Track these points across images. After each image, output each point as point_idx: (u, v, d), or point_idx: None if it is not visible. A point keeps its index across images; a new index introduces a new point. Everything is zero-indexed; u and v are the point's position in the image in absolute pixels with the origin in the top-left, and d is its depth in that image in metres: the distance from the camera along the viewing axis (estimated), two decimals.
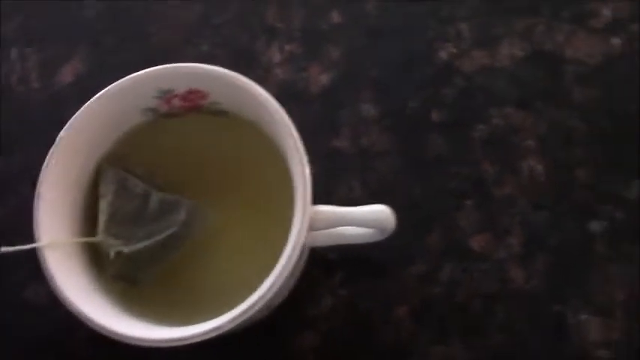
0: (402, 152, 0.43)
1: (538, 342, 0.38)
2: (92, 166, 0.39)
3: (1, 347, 0.42)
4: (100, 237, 0.36)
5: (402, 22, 0.45)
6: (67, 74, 0.47)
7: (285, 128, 0.35)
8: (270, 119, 0.35)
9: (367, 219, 0.36)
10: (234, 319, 0.33)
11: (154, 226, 0.37)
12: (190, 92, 0.38)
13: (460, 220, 0.41)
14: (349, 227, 0.37)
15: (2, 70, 0.48)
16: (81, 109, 0.37)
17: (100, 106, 0.37)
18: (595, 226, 0.40)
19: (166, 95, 0.38)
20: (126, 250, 0.36)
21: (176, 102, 0.38)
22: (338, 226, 0.36)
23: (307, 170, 0.34)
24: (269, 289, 0.33)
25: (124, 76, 0.46)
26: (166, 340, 0.33)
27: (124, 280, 0.37)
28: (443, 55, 0.44)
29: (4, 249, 0.35)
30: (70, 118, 0.45)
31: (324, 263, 0.41)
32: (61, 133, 0.37)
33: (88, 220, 0.38)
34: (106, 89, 0.37)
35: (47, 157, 0.37)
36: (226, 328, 0.33)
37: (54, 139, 0.44)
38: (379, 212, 0.36)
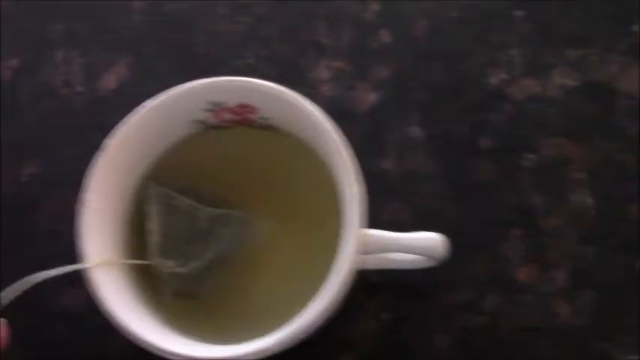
0: (448, 177, 0.42)
1: None
2: (137, 177, 0.38)
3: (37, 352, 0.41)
4: (153, 260, 0.36)
5: (452, 45, 0.44)
6: (110, 80, 0.47)
7: (337, 149, 0.34)
8: (320, 138, 0.35)
9: (418, 246, 0.35)
10: (281, 342, 0.32)
11: (206, 242, 0.36)
12: (241, 106, 0.37)
13: (506, 250, 0.41)
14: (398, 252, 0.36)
15: (47, 72, 0.47)
16: (130, 116, 0.36)
17: (149, 115, 0.36)
18: None
19: (217, 108, 0.37)
20: (182, 270, 0.35)
21: (226, 115, 0.38)
22: (388, 251, 0.35)
23: (358, 195, 0.33)
24: (319, 315, 0.32)
25: (168, 85, 0.45)
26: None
27: (181, 297, 0.36)
28: (493, 81, 0.43)
29: (54, 271, 0.34)
30: (112, 124, 0.45)
31: (367, 285, 0.40)
32: (108, 141, 0.36)
33: (132, 235, 0.38)
34: (156, 98, 0.36)
35: (93, 164, 0.36)
36: (273, 351, 0.32)
37: (94, 145, 0.44)
38: (431, 240, 0.35)
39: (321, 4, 0.46)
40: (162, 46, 0.47)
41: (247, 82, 0.35)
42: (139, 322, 0.33)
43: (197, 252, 0.36)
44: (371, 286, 0.41)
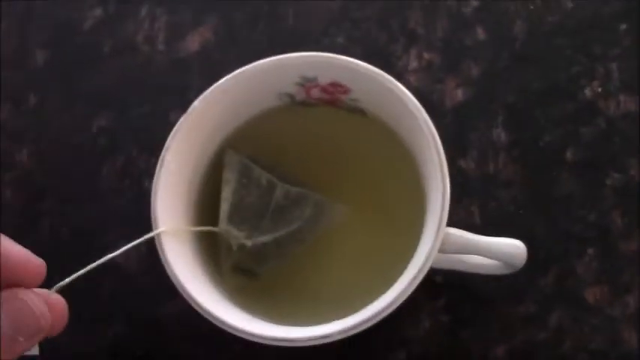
0: (529, 186, 0.41)
1: None
2: (216, 144, 0.38)
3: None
4: (222, 227, 0.35)
5: (549, 51, 0.43)
6: (194, 42, 0.46)
7: (431, 143, 0.33)
8: (414, 129, 0.34)
9: (499, 251, 0.34)
10: (344, 330, 0.31)
11: (278, 220, 0.35)
12: (333, 84, 0.36)
13: (578, 267, 0.40)
14: (475, 255, 0.35)
15: (130, 26, 0.46)
16: (219, 81, 0.36)
17: (240, 81, 0.36)
18: None
19: (308, 83, 0.36)
20: (249, 243, 0.34)
21: (315, 92, 0.37)
22: (467, 253, 0.34)
23: (448, 191, 0.32)
24: (386, 308, 0.31)
25: (250, 54, 0.45)
26: (271, 338, 0.32)
27: (242, 273, 0.35)
28: (587, 92, 0.42)
29: (117, 252, 0.33)
30: (189, 86, 0.44)
31: (430, 284, 0.39)
32: (195, 103, 0.35)
33: (202, 204, 0.37)
34: (250, 65, 0.35)
35: (177, 125, 0.35)
36: (334, 339, 0.32)
37: (168, 105, 0.44)
38: (513, 247, 0.34)
39: None
40: (250, 14, 0.46)
41: (345, 60, 0.34)
42: (197, 286, 0.32)
43: (267, 227, 0.35)
44: (434, 285, 0.40)
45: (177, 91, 0.45)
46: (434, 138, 0.33)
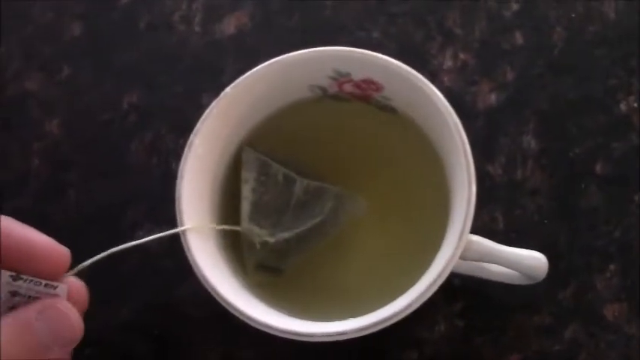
0: (555, 196, 0.40)
1: None
2: (244, 131, 0.38)
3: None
4: (244, 225, 0.35)
5: (586, 61, 0.42)
6: (230, 25, 0.46)
7: (459, 147, 0.33)
8: (444, 132, 0.34)
9: (520, 263, 0.34)
10: (360, 329, 0.31)
11: (299, 215, 0.35)
12: (366, 81, 0.36)
13: (598, 283, 0.39)
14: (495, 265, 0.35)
15: (167, 5, 0.46)
16: (253, 69, 0.35)
17: (272, 71, 0.35)
18: None
19: (341, 78, 0.36)
20: (272, 240, 0.34)
21: (348, 87, 0.37)
22: (488, 262, 0.34)
23: (474, 198, 0.32)
24: (403, 310, 0.31)
25: (285, 41, 0.45)
26: (287, 332, 0.32)
27: (265, 269, 0.35)
28: (622, 107, 0.42)
29: (143, 240, 0.33)
30: (221, 69, 0.44)
31: (447, 287, 0.39)
32: (228, 89, 0.35)
33: (225, 197, 0.37)
34: (285, 56, 0.35)
35: (208, 109, 0.35)
36: (350, 336, 0.32)
37: (199, 86, 0.44)
38: (535, 259, 0.34)
39: None
40: (288, 2, 0.46)
41: (380, 58, 0.34)
42: (226, 285, 0.33)
43: (288, 223, 0.35)
44: (452, 288, 0.40)
45: (210, 73, 0.45)
46: (463, 143, 0.32)
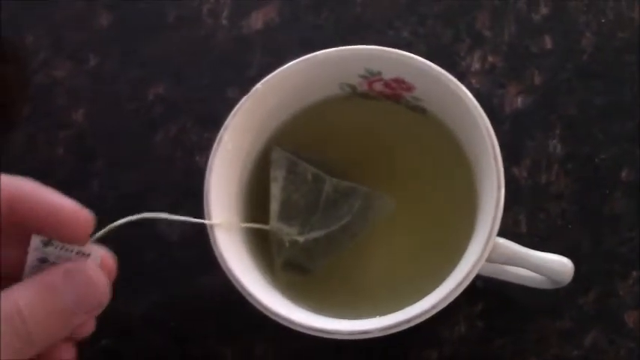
0: (579, 201, 0.40)
1: None
2: (272, 130, 0.38)
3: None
4: (273, 224, 0.35)
5: (614, 67, 0.42)
6: (257, 20, 0.46)
7: (490, 150, 0.33)
8: (475, 135, 0.34)
9: (546, 267, 0.34)
10: (384, 328, 0.32)
11: (328, 215, 0.35)
12: (397, 81, 0.36)
13: (621, 289, 0.39)
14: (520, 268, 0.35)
15: None
16: (284, 66, 0.35)
17: (303, 69, 0.35)
18: None
19: (372, 77, 0.36)
20: (301, 239, 0.34)
21: (378, 86, 0.37)
22: (513, 265, 0.34)
23: (502, 202, 0.32)
24: (428, 311, 0.32)
25: (312, 37, 0.45)
26: (311, 328, 0.32)
27: (293, 269, 0.35)
28: None
29: (175, 217, 0.32)
30: (248, 64, 0.44)
31: (470, 288, 0.39)
32: (259, 85, 0.35)
33: (252, 194, 0.37)
34: (316, 53, 0.35)
35: (238, 105, 0.35)
36: (374, 335, 0.32)
37: (226, 80, 0.44)
38: (561, 264, 0.34)
39: None
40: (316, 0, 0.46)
41: (413, 59, 0.34)
42: (256, 284, 0.33)
43: (318, 223, 0.35)
44: (473, 290, 0.40)
45: (236, 67, 0.45)
46: (494, 146, 0.33)
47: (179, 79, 0.45)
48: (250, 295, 0.32)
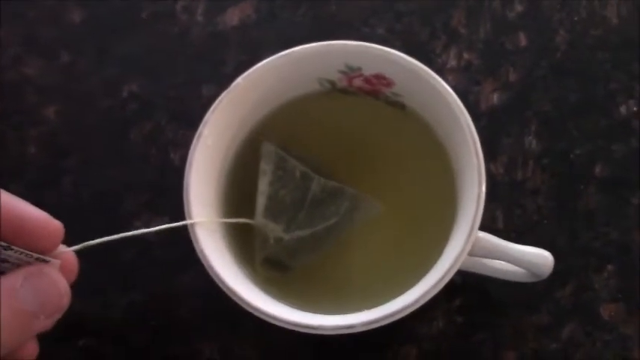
0: (554, 197, 0.41)
1: None
2: (252, 125, 0.38)
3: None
4: (259, 220, 0.35)
5: (588, 64, 0.43)
6: (233, 16, 0.46)
7: (470, 146, 0.33)
8: (455, 131, 0.34)
9: (526, 260, 0.34)
10: (368, 322, 0.32)
11: (314, 214, 0.35)
12: (377, 77, 0.36)
13: (596, 283, 0.40)
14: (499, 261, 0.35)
15: None
16: (265, 60, 0.35)
17: (284, 64, 0.35)
18: None
19: (352, 73, 0.36)
20: (287, 236, 0.34)
21: (358, 82, 0.37)
22: (494, 258, 0.34)
23: (483, 197, 0.32)
24: (411, 305, 0.32)
25: (288, 35, 0.45)
26: (295, 324, 0.32)
27: (273, 265, 0.35)
28: (622, 110, 0.42)
29: (156, 228, 0.32)
30: (223, 60, 0.44)
31: (448, 284, 0.39)
32: (239, 80, 0.35)
33: (232, 191, 0.37)
34: (297, 48, 0.35)
35: (218, 100, 0.35)
36: (358, 330, 0.32)
37: (201, 77, 0.43)
38: (541, 257, 0.34)
39: None
40: None
41: (393, 54, 0.34)
42: (238, 281, 0.32)
43: (304, 221, 0.35)
44: (451, 286, 0.40)
45: (211, 64, 0.45)
46: (475, 142, 0.33)
47: (153, 77, 0.45)
48: (232, 291, 0.32)
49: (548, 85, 0.43)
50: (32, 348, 0.29)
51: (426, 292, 0.32)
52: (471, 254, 0.33)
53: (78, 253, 0.30)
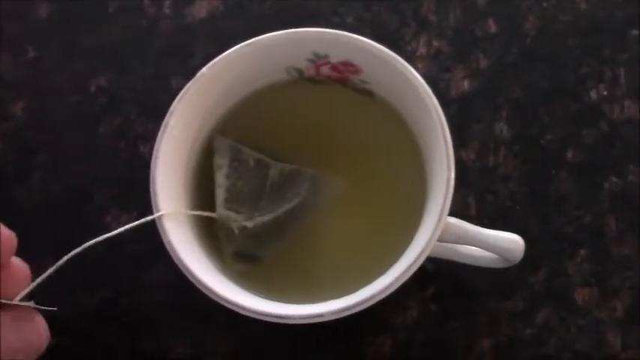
0: (526, 182, 0.41)
1: None
2: (219, 116, 0.37)
3: None
4: (220, 212, 0.34)
5: (558, 50, 0.43)
6: (201, 8, 0.45)
7: (439, 131, 0.33)
8: (423, 116, 0.34)
9: (498, 245, 0.34)
10: (337, 311, 0.31)
11: (276, 198, 0.35)
12: (344, 64, 0.36)
13: (569, 268, 0.40)
14: (470, 247, 0.35)
15: None
16: (231, 49, 0.35)
17: (250, 52, 0.35)
18: None
19: (320, 60, 0.36)
20: (250, 224, 0.34)
21: (325, 70, 0.36)
22: (465, 244, 0.34)
23: (452, 181, 0.32)
24: (381, 292, 0.31)
25: (257, 25, 0.44)
26: (264, 314, 0.31)
27: (243, 258, 0.35)
28: (593, 95, 0.42)
29: (128, 226, 0.32)
30: (192, 53, 0.44)
31: (420, 272, 0.39)
32: (204, 69, 0.35)
33: (200, 185, 0.37)
34: (264, 36, 0.35)
35: (183, 89, 0.35)
36: (327, 318, 0.31)
37: (170, 70, 0.43)
38: (512, 241, 0.34)
39: None
40: None
41: (361, 41, 0.34)
42: (203, 267, 0.32)
43: (266, 207, 0.35)
44: (424, 274, 0.40)
45: (180, 57, 0.44)
46: (443, 127, 0.33)
47: (122, 70, 0.44)
48: (200, 282, 0.32)
49: (518, 71, 0.43)
50: None
51: (396, 279, 0.31)
52: (442, 240, 0.33)
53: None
